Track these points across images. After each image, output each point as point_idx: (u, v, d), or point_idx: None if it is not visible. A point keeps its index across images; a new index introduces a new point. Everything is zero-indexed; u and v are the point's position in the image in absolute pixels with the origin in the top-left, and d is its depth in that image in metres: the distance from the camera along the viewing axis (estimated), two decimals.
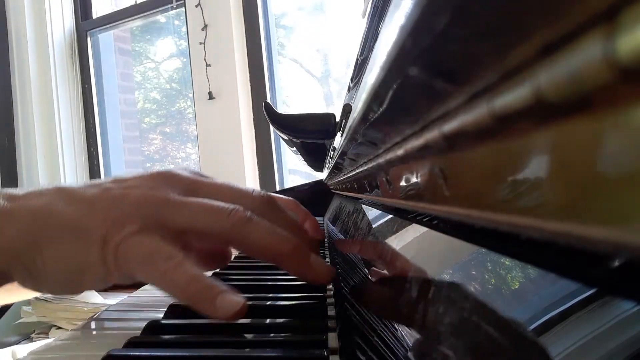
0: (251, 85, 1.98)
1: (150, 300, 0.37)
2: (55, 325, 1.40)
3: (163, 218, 0.27)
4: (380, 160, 0.29)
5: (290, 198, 0.62)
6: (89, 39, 2.47)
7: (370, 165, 0.35)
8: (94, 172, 2.45)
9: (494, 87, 0.11)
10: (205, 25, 1.98)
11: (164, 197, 0.28)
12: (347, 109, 0.43)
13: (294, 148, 1.01)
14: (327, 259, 0.46)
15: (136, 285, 0.36)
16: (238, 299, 0.25)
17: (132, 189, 0.28)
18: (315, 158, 1.01)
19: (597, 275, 0.09)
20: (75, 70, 2.45)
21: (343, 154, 0.50)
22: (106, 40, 2.52)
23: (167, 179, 0.30)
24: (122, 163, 2.55)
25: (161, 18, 2.43)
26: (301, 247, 0.29)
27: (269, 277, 0.40)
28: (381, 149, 0.29)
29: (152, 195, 0.28)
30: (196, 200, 0.29)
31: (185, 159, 2.70)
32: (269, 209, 0.31)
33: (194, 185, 0.30)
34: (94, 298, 1.40)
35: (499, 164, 0.12)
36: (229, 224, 0.28)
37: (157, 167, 0.34)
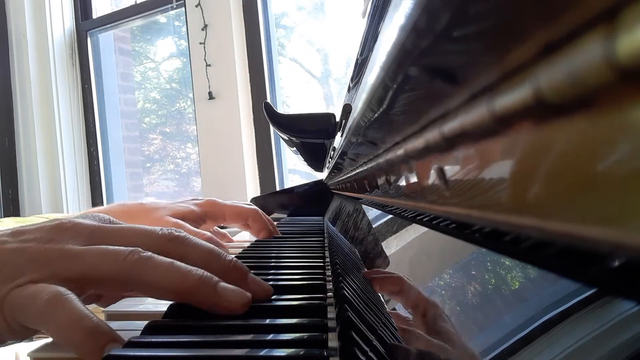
0: (251, 85, 1.99)
1: (151, 301, 0.37)
2: None
3: (57, 270, 0.27)
4: (380, 160, 0.29)
5: (253, 207, 0.66)
6: (89, 39, 2.47)
7: (370, 165, 0.35)
8: (94, 172, 2.46)
9: (494, 87, 0.11)
10: (205, 25, 1.98)
11: (59, 248, 0.27)
12: (347, 109, 0.43)
13: (294, 148, 1.01)
14: (327, 259, 0.46)
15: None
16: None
17: (29, 242, 0.28)
18: (315, 158, 1.01)
19: (597, 275, 0.09)
20: (75, 70, 2.45)
21: (343, 154, 0.50)
22: (106, 40, 2.52)
23: (68, 230, 0.29)
24: (122, 163, 2.55)
25: (161, 18, 2.43)
26: (204, 278, 0.28)
27: (269, 277, 0.40)
28: (381, 148, 0.29)
29: (47, 248, 0.27)
30: (93, 247, 0.28)
31: (185, 159, 2.70)
32: (175, 244, 0.30)
33: (96, 234, 0.29)
34: None
35: (499, 164, 0.12)
36: (126, 267, 0.27)
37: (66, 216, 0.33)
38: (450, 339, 0.19)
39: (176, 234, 0.31)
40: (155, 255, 0.28)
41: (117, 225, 0.31)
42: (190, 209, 0.62)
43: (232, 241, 0.70)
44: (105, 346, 0.24)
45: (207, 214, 0.64)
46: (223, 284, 0.29)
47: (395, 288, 0.30)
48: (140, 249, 0.28)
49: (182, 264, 0.28)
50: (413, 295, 0.26)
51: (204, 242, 0.32)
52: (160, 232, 0.31)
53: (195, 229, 0.61)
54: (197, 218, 0.62)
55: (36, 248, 0.27)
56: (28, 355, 0.27)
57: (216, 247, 0.32)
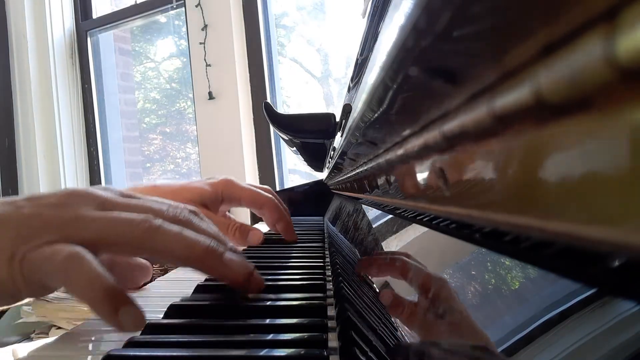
0: (251, 85, 1.99)
1: (151, 301, 0.37)
2: (55, 325, 1.40)
3: (71, 233, 0.28)
4: (380, 160, 0.29)
5: (269, 196, 0.61)
6: (89, 39, 2.47)
7: (370, 165, 0.35)
8: (94, 172, 2.46)
9: (494, 87, 0.11)
10: (205, 25, 1.98)
11: (73, 213, 0.29)
12: (347, 109, 0.43)
13: (294, 148, 1.01)
14: (327, 259, 0.46)
15: None
16: (139, 312, 0.26)
17: (44, 207, 0.29)
18: (315, 158, 1.01)
19: (597, 275, 0.09)
20: (75, 70, 2.45)
21: (343, 154, 0.50)
22: (106, 40, 2.52)
23: (81, 197, 0.30)
24: (122, 163, 2.55)
25: (161, 18, 2.43)
26: (212, 249, 0.30)
27: (269, 277, 0.40)
28: (381, 149, 0.29)
29: (62, 212, 0.28)
30: (107, 213, 0.29)
31: (185, 159, 2.70)
32: (183, 219, 0.31)
33: (108, 203, 0.30)
34: None
35: (499, 164, 0.12)
36: (138, 233, 0.28)
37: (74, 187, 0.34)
38: (458, 322, 0.19)
39: (181, 215, 0.32)
40: (166, 224, 0.29)
41: (127, 199, 0.32)
42: (205, 189, 0.59)
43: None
44: (120, 308, 0.25)
45: (223, 195, 0.61)
46: (229, 253, 0.31)
47: (399, 271, 0.30)
48: (151, 216, 0.29)
49: (191, 233, 0.30)
50: (420, 276, 0.26)
51: (210, 226, 0.33)
52: (167, 210, 0.32)
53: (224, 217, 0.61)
54: (213, 199, 0.60)
55: (52, 212, 0.28)
56: (28, 354, 0.27)
57: (219, 232, 0.33)
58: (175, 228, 0.30)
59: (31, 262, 0.27)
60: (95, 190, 0.31)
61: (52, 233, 0.27)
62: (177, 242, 0.29)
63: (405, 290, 0.29)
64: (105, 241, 0.28)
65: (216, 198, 0.60)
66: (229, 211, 0.67)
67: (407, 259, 0.29)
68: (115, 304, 0.25)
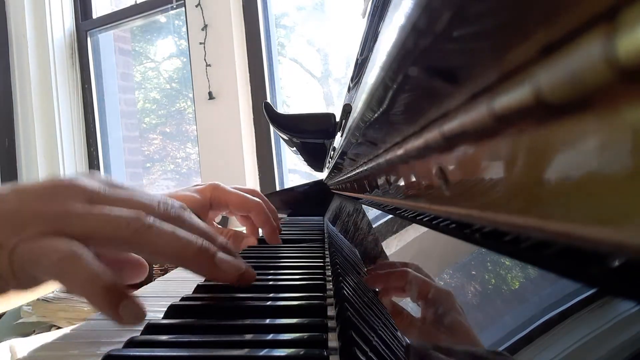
0: (251, 85, 1.99)
1: (151, 301, 0.37)
2: (55, 325, 1.40)
3: (61, 227, 0.27)
4: (380, 160, 0.29)
5: (258, 201, 0.59)
6: (89, 39, 2.47)
7: (370, 165, 0.35)
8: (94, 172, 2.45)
9: (494, 87, 0.11)
10: (205, 25, 1.98)
11: (62, 207, 0.28)
12: (347, 109, 0.43)
13: (294, 148, 1.01)
14: (327, 259, 0.46)
15: None
16: (139, 305, 0.26)
17: (32, 199, 0.28)
18: (315, 158, 1.01)
19: (597, 275, 0.09)
20: (75, 70, 2.45)
21: (343, 154, 0.50)
22: (106, 40, 2.52)
23: (69, 188, 0.29)
24: (122, 163, 2.55)
25: (161, 18, 2.43)
26: (204, 249, 0.30)
27: (269, 276, 0.40)
28: (381, 149, 0.29)
29: (51, 205, 0.28)
30: (96, 210, 0.29)
31: (185, 159, 2.70)
32: (175, 218, 0.31)
33: (96, 196, 0.30)
34: None
35: (499, 164, 0.12)
36: (129, 231, 0.28)
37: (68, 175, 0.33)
38: (461, 331, 0.19)
39: (172, 211, 0.31)
40: (158, 222, 0.29)
41: (118, 191, 0.31)
42: (193, 197, 0.59)
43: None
44: (120, 304, 0.25)
45: (211, 202, 0.60)
46: (221, 254, 0.30)
47: (402, 283, 0.30)
48: (142, 214, 0.29)
49: (184, 232, 0.30)
50: (422, 287, 0.26)
51: (199, 222, 0.33)
52: (158, 206, 0.31)
53: (220, 228, 0.60)
54: (202, 206, 0.59)
55: (39, 204, 0.28)
56: (28, 354, 0.27)
57: (210, 229, 0.33)
58: (168, 227, 0.29)
59: (23, 254, 0.26)
60: (82, 180, 0.30)
61: (42, 225, 0.27)
62: (169, 241, 0.29)
63: (407, 299, 0.29)
64: (96, 238, 0.28)
65: (204, 205, 0.59)
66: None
67: (411, 271, 0.29)
68: (116, 299, 0.25)
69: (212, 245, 0.30)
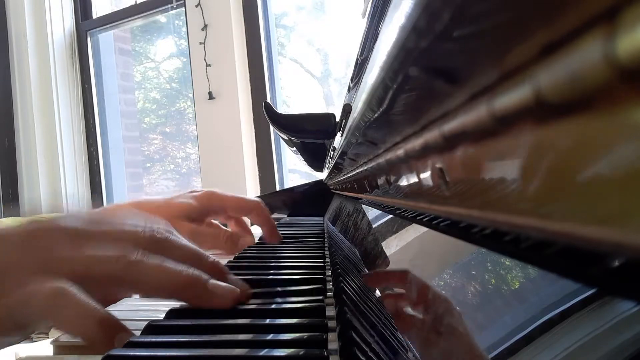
0: (251, 85, 1.99)
1: (151, 301, 0.37)
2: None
3: (48, 270, 0.27)
4: (380, 160, 0.29)
5: (256, 200, 0.61)
6: (89, 39, 2.47)
7: (370, 165, 0.35)
8: (94, 172, 2.46)
9: (494, 87, 0.11)
10: (205, 25, 1.98)
11: (47, 254, 0.28)
12: (347, 109, 0.43)
13: (294, 148, 1.01)
14: (327, 259, 0.46)
15: None
16: (129, 337, 0.25)
17: (13, 251, 0.27)
18: (315, 158, 1.01)
19: (597, 275, 0.09)
20: (75, 70, 2.45)
21: (343, 154, 0.50)
22: (106, 40, 2.52)
23: (50, 232, 0.29)
24: (122, 163, 2.55)
25: (161, 18, 2.43)
26: (195, 278, 0.29)
27: (269, 277, 0.40)
28: (381, 148, 0.29)
29: (34, 253, 0.27)
30: (80, 252, 0.28)
31: (185, 159, 2.70)
32: (161, 244, 0.31)
33: (80, 236, 0.29)
34: None
35: (499, 164, 0.12)
36: (117, 271, 0.28)
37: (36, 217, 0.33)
38: (459, 336, 0.19)
39: (158, 236, 0.31)
40: (145, 256, 0.29)
41: (98, 227, 0.31)
42: (190, 204, 0.58)
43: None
44: (115, 336, 0.25)
45: (208, 208, 0.60)
46: (213, 281, 0.30)
47: (402, 283, 0.30)
48: (129, 249, 0.29)
49: (172, 264, 0.29)
50: (421, 291, 0.26)
51: (186, 243, 0.32)
52: (142, 234, 0.31)
53: (221, 226, 0.60)
54: (198, 214, 0.59)
55: (22, 254, 0.27)
56: (51, 343, 0.27)
57: (198, 249, 0.32)
58: (154, 260, 0.29)
59: (9, 302, 0.25)
60: (63, 221, 0.30)
61: (27, 275, 0.26)
62: (158, 275, 0.28)
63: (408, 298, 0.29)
64: (85, 279, 0.27)
65: (201, 211, 0.59)
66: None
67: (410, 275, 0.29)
68: (110, 333, 0.25)
69: (203, 273, 0.30)
